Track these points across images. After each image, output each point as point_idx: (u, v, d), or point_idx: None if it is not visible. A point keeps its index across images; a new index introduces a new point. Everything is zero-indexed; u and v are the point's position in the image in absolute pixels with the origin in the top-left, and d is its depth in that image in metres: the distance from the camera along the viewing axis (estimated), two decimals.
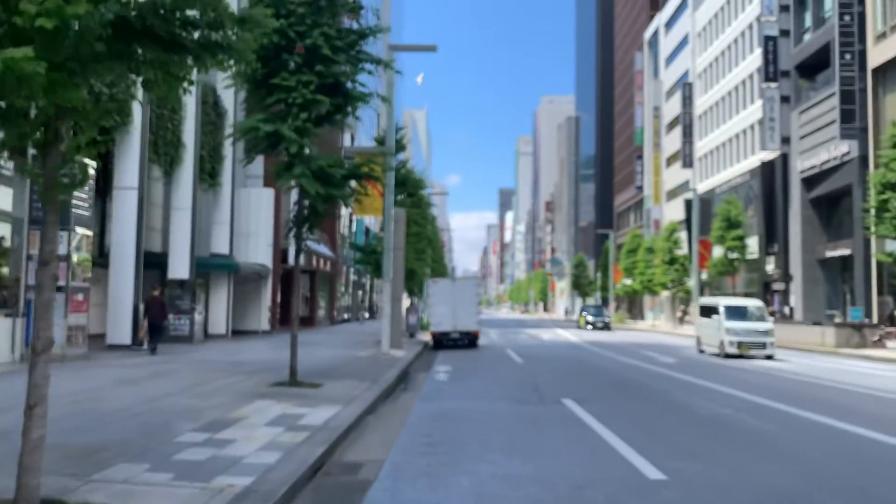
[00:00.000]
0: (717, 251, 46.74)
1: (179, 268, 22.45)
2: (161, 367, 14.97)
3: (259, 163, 31.21)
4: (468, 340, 26.64)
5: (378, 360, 18.37)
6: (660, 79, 75.01)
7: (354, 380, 13.58)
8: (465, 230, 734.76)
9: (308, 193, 11.82)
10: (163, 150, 21.37)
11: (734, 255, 38.75)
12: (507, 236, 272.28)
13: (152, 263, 23.38)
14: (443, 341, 26.60)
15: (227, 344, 23.22)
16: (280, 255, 31.94)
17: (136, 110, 19.10)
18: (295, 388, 11.91)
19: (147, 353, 17.99)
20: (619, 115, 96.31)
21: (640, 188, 79.57)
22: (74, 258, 15.07)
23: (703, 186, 61.27)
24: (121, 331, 18.77)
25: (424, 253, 33.62)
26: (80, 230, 15.42)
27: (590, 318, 48.89)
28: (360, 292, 59.05)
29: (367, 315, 60.46)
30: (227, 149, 26.63)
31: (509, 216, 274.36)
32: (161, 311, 19.02)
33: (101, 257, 20.75)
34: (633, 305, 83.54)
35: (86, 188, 15.58)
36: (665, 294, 61.74)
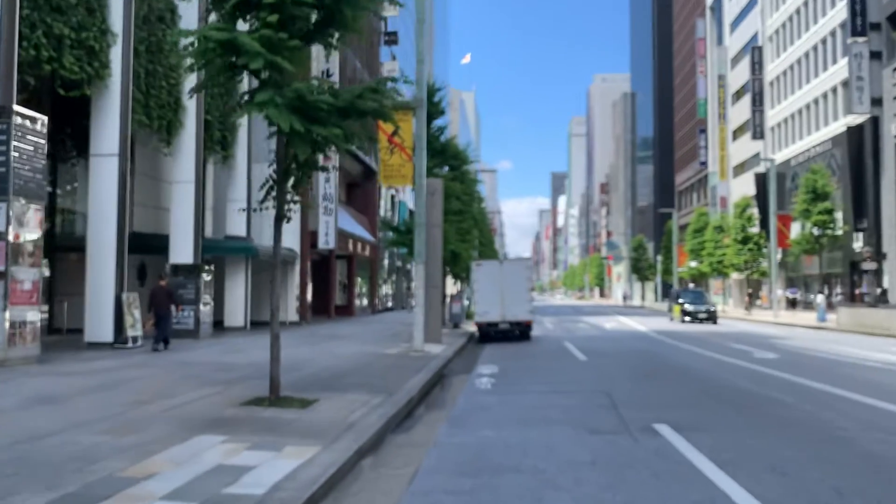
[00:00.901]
0: (797, 227, 41.97)
1: (182, 251, 19.36)
2: (125, 372, 11.76)
3: None
4: (519, 332, 23.02)
5: (407, 360, 14.91)
6: (724, 45, 69.63)
7: (364, 392, 10.11)
8: (518, 216, 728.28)
9: (281, 131, 8.29)
10: (157, 112, 18.20)
11: (821, 231, 34.13)
12: (560, 221, 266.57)
13: (155, 247, 20.36)
14: (490, 333, 23.07)
15: (238, 339, 20.06)
16: (309, 238, 28.73)
17: (117, 61, 15.93)
18: (273, 409, 8.49)
19: (147, 350, 15.66)
20: (678, 88, 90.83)
21: (704, 164, 74.38)
22: (16, 236, 11.90)
23: (776, 159, 56.12)
24: (101, 326, 15.71)
25: (470, 234, 30.03)
26: (26, 203, 12.25)
27: (689, 308, 35.37)
28: (404, 279, 55.82)
29: (413, 303, 57.26)
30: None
31: (562, 200, 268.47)
32: (167, 302, 16.73)
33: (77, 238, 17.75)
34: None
35: (32, 147, 12.42)
36: (734, 277, 56.91)
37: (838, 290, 46.77)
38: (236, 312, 23.06)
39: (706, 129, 74.18)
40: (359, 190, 42.39)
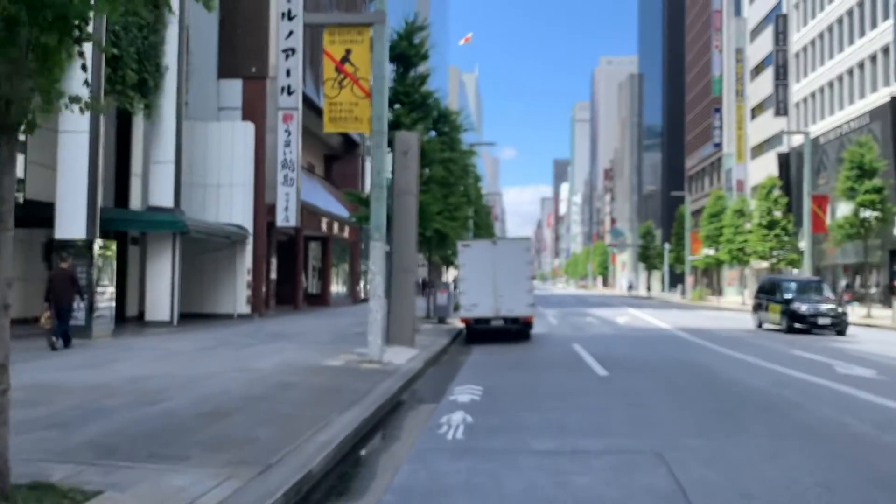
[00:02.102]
0: (835, 210, 37.28)
1: (71, 224, 14.67)
2: None
3: (236, 91, 23.32)
4: (517, 330, 18.36)
5: (351, 378, 10.24)
6: (743, 16, 64.57)
7: (219, 463, 5.43)
8: (520, 204, 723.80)
9: None
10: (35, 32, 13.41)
11: (868, 213, 29.37)
12: (563, 209, 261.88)
13: (45, 219, 15.69)
14: (479, 332, 18.44)
15: (143, 339, 15.39)
16: (266, 213, 23.99)
17: None
18: None
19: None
20: (690, 66, 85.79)
21: (719, 145, 69.49)
22: None
23: (799, 138, 51.28)
24: None
25: (460, 211, 25.30)
26: None
27: (801, 308, 21.73)
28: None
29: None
30: (170, 56, 18.66)
31: (564, 187, 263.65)
32: (70, 289, 13.57)
33: None
34: (707, 279, 73.82)
35: None
36: (755, 266, 52.15)
37: (873, 281, 42.06)
38: (159, 303, 18.39)
39: (721, 108, 69.24)
40: (339, 163, 37.63)
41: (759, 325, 24.29)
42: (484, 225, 44.28)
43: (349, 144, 36.48)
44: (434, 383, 11.11)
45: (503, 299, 17.85)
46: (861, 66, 42.53)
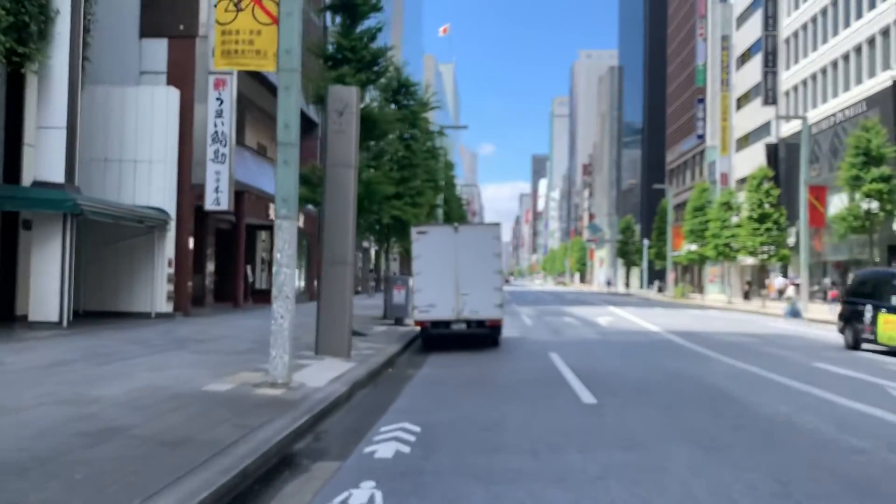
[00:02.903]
0: (835, 201, 34.58)
1: None
2: None
3: (160, 52, 19.93)
4: (483, 335, 15.24)
5: (221, 416, 7.00)
6: (729, 2, 61.92)
7: None
8: (499, 201, 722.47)
9: None
10: None
11: (875, 205, 26.63)
12: (541, 204, 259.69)
13: None
14: (437, 337, 15.32)
15: (2, 347, 12.03)
16: (192, 195, 20.61)
17: None
18: None
19: None
20: (673, 57, 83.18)
21: (702, 137, 66.92)
22: None
23: (789, 128, 48.75)
24: None
25: (423, 196, 22.10)
26: None
27: None
28: (362, 256, 47.77)
29: (374, 286, 49.23)
30: (61, 1, 15.27)
31: (542, 183, 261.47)
32: None
33: None
34: (686, 276, 71.32)
35: None
36: (744, 262, 49.49)
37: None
38: (46, 300, 14.98)
39: (705, 99, 66.66)
40: None
41: (854, 345, 16.28)
42: (457, 217, 41.13)
43: (307, 125, 33.10)
44: (355, 419, 7.91)
45: (466, 298, 14.71)
46: (858, 50, 39.90)
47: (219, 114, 20.29)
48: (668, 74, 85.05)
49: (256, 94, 27.61)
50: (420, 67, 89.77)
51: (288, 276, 9.03)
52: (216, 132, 20.27)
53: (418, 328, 15.44)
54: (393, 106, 22.45)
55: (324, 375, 10.01)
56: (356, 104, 12.55)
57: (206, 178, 20.28)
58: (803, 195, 32.13)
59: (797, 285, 49.39)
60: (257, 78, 25.64)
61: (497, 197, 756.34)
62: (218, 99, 20.31)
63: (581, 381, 10.61)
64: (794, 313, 26.98)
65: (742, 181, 55.42)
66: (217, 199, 20.35)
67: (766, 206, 38.17)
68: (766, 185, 38.58)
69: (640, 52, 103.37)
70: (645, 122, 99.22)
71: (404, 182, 21.72)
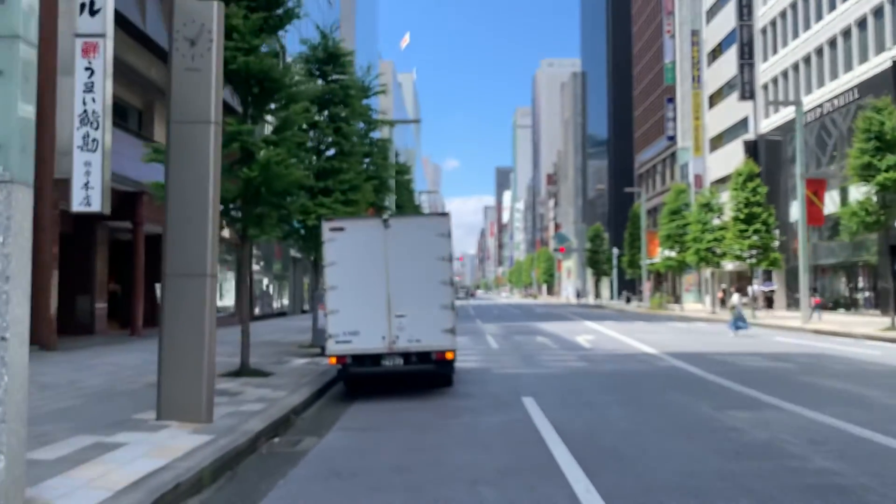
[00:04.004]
0: (834, 195, 31.02)
1: None
2: None
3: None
4: (430, 374, 10.82)
5: None
6: None
7: None
8: (465, 215, 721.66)
9: None
10: None
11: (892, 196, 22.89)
12: (505, 216, 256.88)
13: None
14: (363, 378, 10.95)
15: None
16: (56, 194, 15.97)
17: None
18: None
19: None
20: (639, 57, 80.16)
21: (673, 138, 63.65)
22: None
23: (768, 123, 45.48)
24: None
25: (358, 192, 17.71)
26: None
27: None
28: (302, 271, 43.13)
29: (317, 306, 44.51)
30: None
31: (507, 195, 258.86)
32: None
33: None
34: (659, 285, 67.80)
35: None
36: (728, 267, 45.83)
37: (861, 284, 36.06)
38: None
39: (674, 98, 63.44)
40: None
41: None
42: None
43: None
44: None
45: (403, 322, 10.33)
46: (846, 34, 36.59)
47: (88, 88, 15.65)
48: (635, 76, 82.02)
49: (147, 63, 22.78)
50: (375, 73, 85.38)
51: (13, 299, 4.56)
52: (85, 112, 15.61)
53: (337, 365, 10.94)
54: (320, 81, 18.11)
55: (120, 476, 5.55)
56: (219, 28, 8.15)
57: (72, 172, 15.62)
58: (800, 190, 28.39)
59: (773, 292, 46.16)
60: (145, 43, 20.96)
61: (462, 211, 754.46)
62: (87, 69, 15.69)
63: (580, 463, 6.28)
64: (737, 325, 23.09)
65: (718, 182, 52.12)
66: (87, 197, 15.66)
67: (754, 205, 34.41)
68: (752, 183, 34.86)
69: (604, 58, 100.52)
70: (610, 129, 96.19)
71: (334, 174, 17.37)
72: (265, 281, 35.11)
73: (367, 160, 22.48)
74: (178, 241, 7.99)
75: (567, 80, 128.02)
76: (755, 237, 34.11)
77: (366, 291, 10.38)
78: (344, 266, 10.40)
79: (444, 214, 10.73)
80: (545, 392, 10.70)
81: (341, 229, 10.51)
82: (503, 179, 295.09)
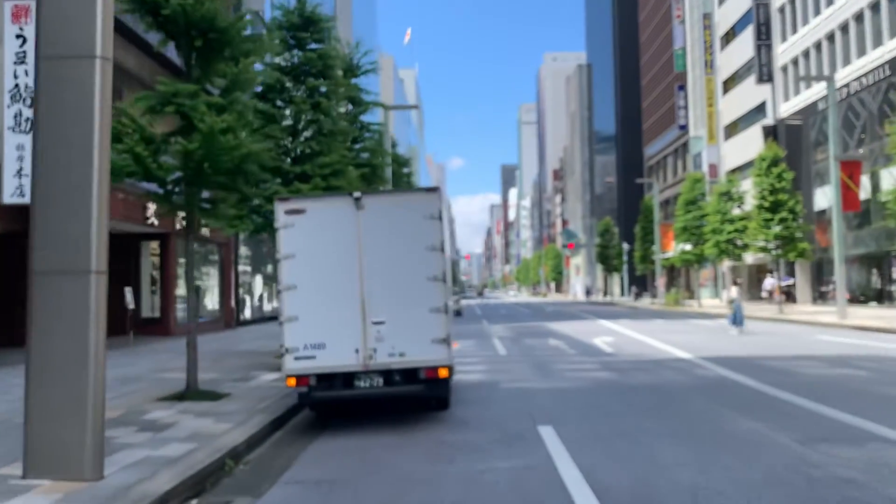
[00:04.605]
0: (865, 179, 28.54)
1: None
2: None
3: None
4: (419, 396, 8.34)
5: None
6: None
7: None
8: (471, 214, 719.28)
9: None
10: None
11: None
12: (512, 214, 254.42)
13: None
14: (332, 403, 8.57)
15: None
16: None
17: None
18: None
19: None
20: (647, 45, 77.58)
21: (685, 127, 61.08)
22: None
23: (789, 107, 42.91)
24: None
25: (339, 177, 15.33)
26: None
27: None
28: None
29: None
30: None
31: (513, 193, 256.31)
32: None
33: None
34: (673, 280, 65.22)
35: None
36: (748, 260, 43.22)
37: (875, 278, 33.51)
38: None
39: (685, 86, 60.91)
40: None
41: None
42: None
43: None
44: None
45: (383, 331, 7.96)
46: (874, 6, 34.03)
47: (19, 59, 13.42)
48: (643, 65, 79.46)
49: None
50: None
51: None
52: (16, 87, 13.38)
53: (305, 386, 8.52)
54: (297, 52, 15.74)
55: None
56: None
57: (2, 157, 13.34)
58: (834, 173, 25.89)
59: (791, 286, 43.41)
60: None
61: (468, 210, 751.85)
62: (18, 36, 13.46)
63: None
64: (737, 320, 20.83)
65: (734, 171, 49.60)
66: (21, 187, 13.41)
67: (779, 192, 31.90)
68: (776, 168, 32.35)
69: (610, 49, 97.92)
70: (617, 122, 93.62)
71: (312, 158, 15.03)
72: (256, 282, 32.79)
73: (357, 145, 20.15)
74: (51, 227, 5.64)
75: (572, 73, 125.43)
76: (781, 226, 31.58)
77: (333, 292, 8.01)
78: (304, 259, 8.03)
79: (434, 189, 8.33)
80: (567, 417, 8.32)
81: (300, 212, 8.12)
82: (509, 177, 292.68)
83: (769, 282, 41.89)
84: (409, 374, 8.06)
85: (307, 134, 15.51)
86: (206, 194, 10.45)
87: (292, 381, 7.99)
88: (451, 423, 8.26)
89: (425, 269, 8.05)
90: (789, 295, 41.97)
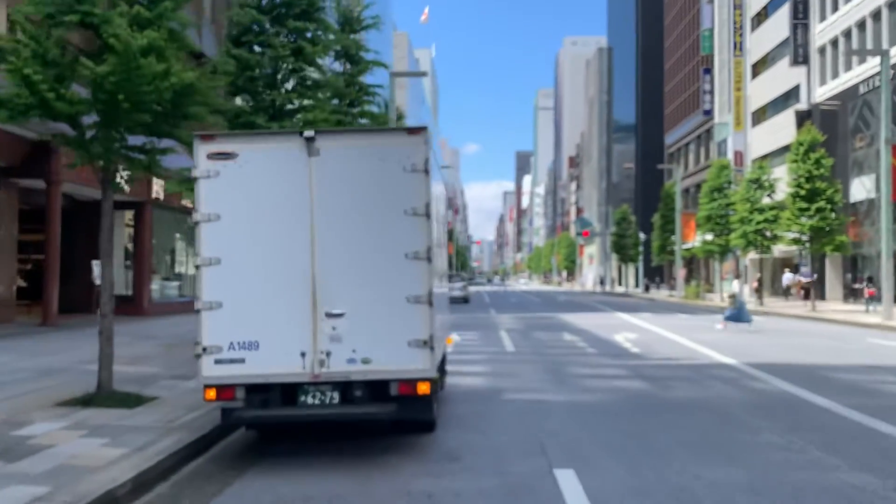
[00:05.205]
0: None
1: None
2: None
3: None
4: (389, 419, 5.99)
5: None
6: None
7: None
8: (484, 200, 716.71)
9: None
10: None
11: None
12: (525, 202, 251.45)
13: None
14: (272, 424, 6.27)
15: None
16: None
17: None
18: None
19: None
20: (671, 27, 74.65)
21: (709, 112, 58.23)
22: None
23: (825, 91, 40.14)
24: None
25: (328, 109, 13.07)
26: None
27: None
28: None
29: None
30: None
31: (527, 180, 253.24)
32: None
33: None
34: (691, 272, 62.56)
35: None
36: (777, 253, 40.58)
37: None
38: None
39: (712, 69, 58.02)
40: None
41: None
42: None
43: None
44: None
45: (341, 326, 5.68)
46: None
47: None
48: (666, 48, 76.52)
49: None
50: (389, 44, 79.65)
51: None
52: None
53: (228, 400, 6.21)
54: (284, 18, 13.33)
55: None
56: None
57: None
58: (885, 158, 23.35)
59: (812, 282, 40.44)
60: None
61: (482, 196, 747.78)
62: None
63: None
64: (737, 317, 18.55)
65: (761, 160, 46.90)
66: None
67: (817, 179, 29.31)
68: (814, 154, 29.75)
69: (632, 33, 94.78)
70: (638, 108, 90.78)
71: (293, 114, 12.75)
72: None
73: (354, 108, 17.87)
74: None
75: (592, 56, 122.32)
76: (817, 217, 29.00)
77: (272, 270, 5.74)
78: (233, 223, 5.74)
79: (418, 130, 5.97)
80: (594, 454, 6.02)
81: (229, 156, 5.80)
82: (523, 164, 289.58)
83: (788, 277, 39.45)
84: (377, 389, 5.78)
85: (288, 86, 13.21)
86: (139, 142, 8.16)
87: (211, 394, 5.74)
88: (434, 457, 5.97)
89: (403, 241, 5.74)
90: (808, 291, 39.06)
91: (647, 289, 60.89)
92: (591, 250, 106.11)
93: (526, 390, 9.32)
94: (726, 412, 7.85)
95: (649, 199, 74.45)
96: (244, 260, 5.72)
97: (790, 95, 44.76)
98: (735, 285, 19.61)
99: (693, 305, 37.15)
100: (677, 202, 47.80)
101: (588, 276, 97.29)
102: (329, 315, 5.69)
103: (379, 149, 5.85)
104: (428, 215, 5.75)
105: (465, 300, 37.62)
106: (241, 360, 5.69)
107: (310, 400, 5.76)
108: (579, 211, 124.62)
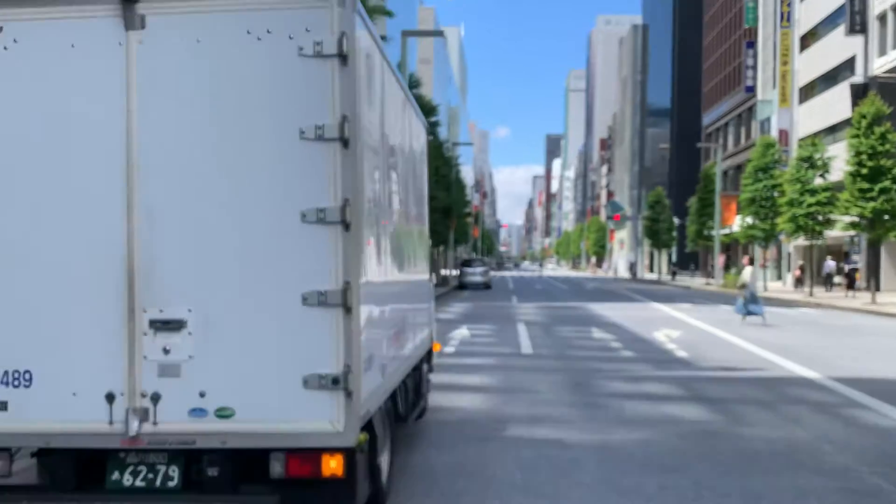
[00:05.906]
0: None
1: None
2: None
3: None
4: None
5: None
6: None
7: None
8: (514, 184, 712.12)
9: None
10: None
11: None
12: (554, 186, 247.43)
13: None
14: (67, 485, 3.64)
15: None
16: None
17: None
18: None
19: None
20: (710, 1, 70.70)
21: (752, 89, 54.64)
22: None
23: (882, 63, 36.62)
24: None
25: None
26: None
27: None
28: None
29: None
30: None
31: (556, 163, 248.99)
32: None
33: None
34: (728, 259, 59.08)
35: None
36: (828, 239, 37.20)
37: None
38: None
39: (755, 43, 54.36)
40: None
41: None
42: (459, 204, 29.33)
43: None
44: None
45: (182, 347, 3.03)
46: None
47: None
48: (706, 22, 72.71)
49: None
50: (413, 19, 76.49)
51: None
52: None
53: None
54: None
55: None
56: None
57: None
58: None
59: (855, 269, 36.98)
60: None
61: (511, 180, 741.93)
62: None
63: None
64: (748, 309, 15.73)
65: (809, 139, 43.48)
66: None
67: (882, 156, 26.09)
68: (879, 128, 26.49)
69: (668, 9, 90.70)
70: (674, 88, 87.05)
71: None
72: None
73: None
74: None
75: (626, 35, 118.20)
76: (883, 198, 25.76)
77: (54, 243, 3.10)
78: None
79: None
80: None
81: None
82: (553, 147, 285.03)
83: (830, 265, 36.17)
84: (246, 465, 3.14)
85: None
86: None
87: None
88: None
89: (297, 190, 3.07)
90: (852, 281, 35.42)
91: (673, 276, 57.76)
92: (622, 235, 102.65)
93: (541, 420, 6.65)
94: (844, 471, 5.10)
95: (684, 183, 71.01)
96: (2, 225, 3.10)
97: (844, 68, 41.22)
98: (746, 273, 16.82)
99: (734, 295, 34.06)
100: (717, 183, 44.58)
101: (619, 262, 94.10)
102: (157, 324, 3.06)
103: (254, 16, 3.14)
104: (345, 140, 3.06)
105: (486, 286, 35.42)
106: (2, 406, 3.09)
107: (126, 480, 3.14)
108: (610, 195, 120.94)
